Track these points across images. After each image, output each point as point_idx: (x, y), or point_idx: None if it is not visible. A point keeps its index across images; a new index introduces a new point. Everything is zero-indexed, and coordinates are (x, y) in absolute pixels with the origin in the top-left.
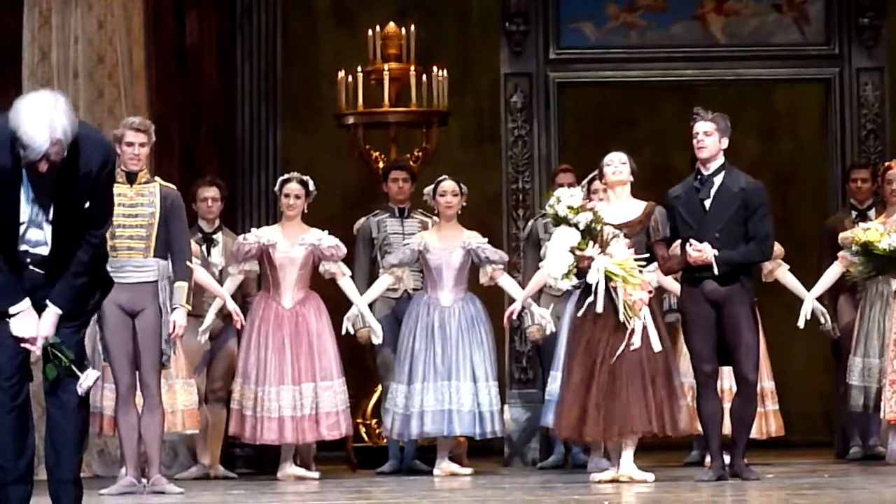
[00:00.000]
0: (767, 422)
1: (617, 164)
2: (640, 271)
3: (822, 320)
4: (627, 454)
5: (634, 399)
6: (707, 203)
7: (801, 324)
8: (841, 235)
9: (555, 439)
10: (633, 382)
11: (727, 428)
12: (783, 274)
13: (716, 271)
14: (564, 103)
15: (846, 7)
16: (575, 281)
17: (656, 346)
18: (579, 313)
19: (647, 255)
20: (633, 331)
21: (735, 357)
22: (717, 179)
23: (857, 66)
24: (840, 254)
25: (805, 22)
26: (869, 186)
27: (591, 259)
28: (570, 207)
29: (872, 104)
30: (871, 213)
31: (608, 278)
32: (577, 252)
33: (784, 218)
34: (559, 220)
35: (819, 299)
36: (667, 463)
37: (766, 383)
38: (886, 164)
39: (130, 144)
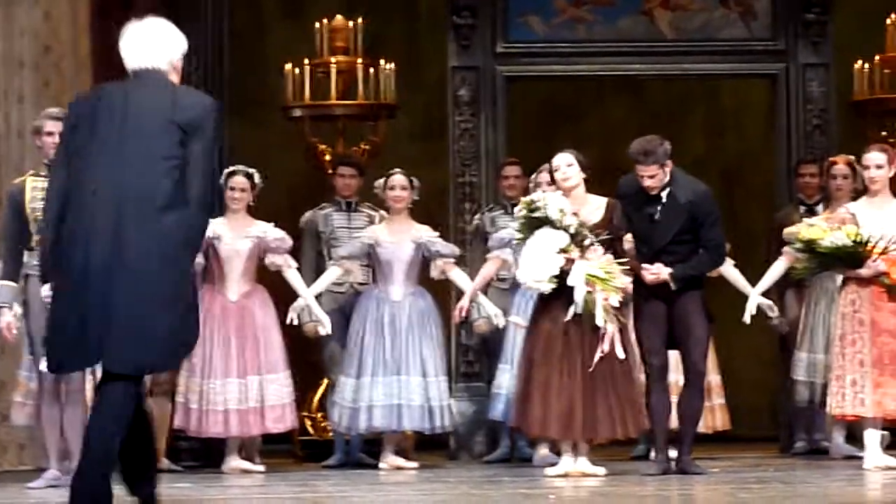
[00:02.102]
0: (713, 416)
1: (564, 169)
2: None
3: (770, 314)
4: (585, 450)
5: (608, 403)
6: (656, 216)
7: (747, 319)
8: (786, 230)
9: (501, 432)
10: (606, 386)
11: (674, 422)
12: (728, 269)
13: (673, 287)
14: (512, 97)
15: (792, 3)
16: (553, 284)
17: (620, 353)
18: (568, 316)
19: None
20: (608, 335)
21: (685, 349)
22: (664, 194)
23: (804, 61)
24: (785, 249)
25: (751, 17)
26: (817, 182)
27: (572, 262)
28: (561, 211)
29: (818, 100)
30: (819, 208)
31: (587, 283)
32: (564, 255)
33: (731, 214)
34: (544, 223)
35: (766, 294)
36: (613, 456)
37: (713, 377)
38: (831, 159)
39: (50, 134)
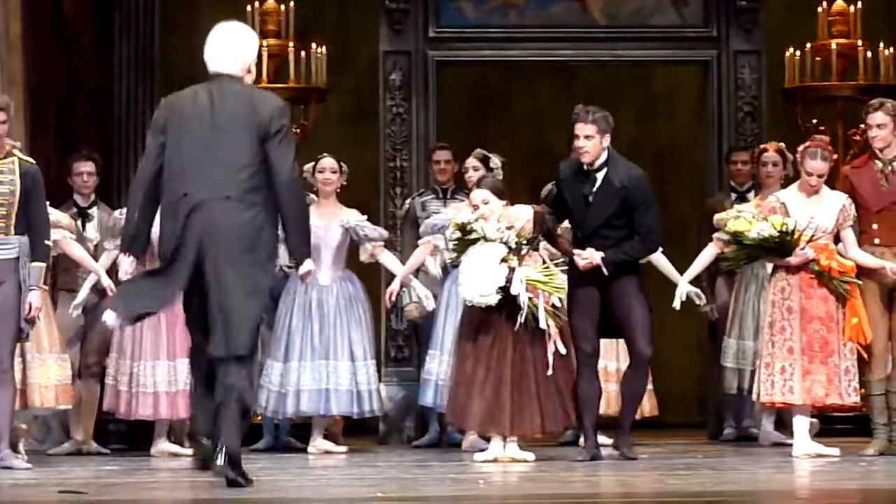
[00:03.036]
0: (641, 402)
1: (482, 208)
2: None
3: (697, 301)
4: (514, 438)
5: (538, 399)
6: (590, 198)
7: (676, 305)
8: (716, 217)
9: (430, 417)
10: (536, 381)
11: (602, 408)
12: (656, 256)
13: (605, 272)
14: (443, 82)
15: None
16: (500, 295)
17: (562, 349)
18: (518, 323)
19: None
20: (550, 335)
21: (628, 333)
22: (600, 175)
23: (735, 48)
24: (715, 235)
25: (683, 4)
26: (749, 169)
27: (512, 270)
28: (498, 229)
29: (749, 87)
30: (751, 195)
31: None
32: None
33: (662, 199)
34: (485, 240)
35: (697, 280)
36: (541, 442)
37: (611, 363)
38: (762, 146)
39: None
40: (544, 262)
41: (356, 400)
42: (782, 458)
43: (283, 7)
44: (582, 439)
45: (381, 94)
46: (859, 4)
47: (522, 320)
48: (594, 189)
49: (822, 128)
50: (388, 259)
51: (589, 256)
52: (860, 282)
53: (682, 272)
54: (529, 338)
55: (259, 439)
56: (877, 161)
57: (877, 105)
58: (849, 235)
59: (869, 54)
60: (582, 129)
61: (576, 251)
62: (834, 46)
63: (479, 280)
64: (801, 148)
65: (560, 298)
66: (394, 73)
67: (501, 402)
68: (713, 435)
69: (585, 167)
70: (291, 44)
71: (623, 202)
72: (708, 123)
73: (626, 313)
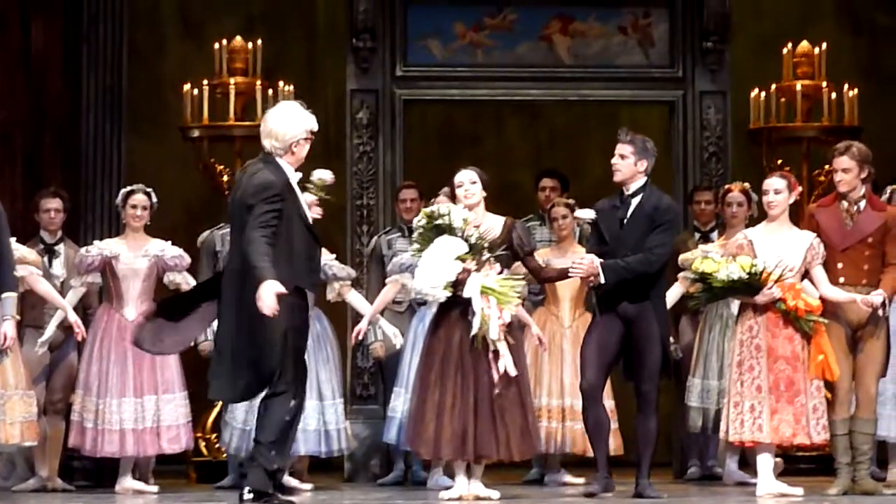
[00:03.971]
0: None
1: (468, 186)
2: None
3: None
4: (478, 473)
5: (495, 425)
6: (624, 221)
7: None
8: (681, 257)
9: (395, 455)
10: (494, 408)
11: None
12: None
13: (602, 279)
14: (410, 120)
15: (690, 31)
16: (448, 293)
17: (511, 370)
18: (473, 331)
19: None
20: (499, 354)
21: (637, 378)
22: (634, 201)
23: (701, 89)
24: (680, 275)
25: (650, 44)
26: (712, 209)
27: (469, 273)
28: (465, 220)
29: (715, 127)
30: (714, 234)
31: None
32: (462, 265)
33: None
34: (444, 230)
35: None
36: (506, 479)
37: (607, 402)
38: (727, 186)
39: None
40: (501, 272)
41: (324, 439)
42: (746, 497)
43: (250, 45)
44: (547, 477)
45: (348, 132)
46: (824, 46)
47: (475, 331)
48: (629, 214)
49: (787, 168)
50: (354, 298)
51: (588, 262)
52: (826, 321)
53: None
54: (488, 365)
55: (224, 477)
56: (843, 201)
57: (842, 149)
58: (819, 273)
59: (834, 95)
60: (618, 147)
61: (574, 261)
62: (799, 87)
63: (432, 271)
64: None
65: (512, 315)
66: (361, 112)
67: (466, 429)
68: (678, 474)
69: (622, 194)
70: (259, 81)
71: (650, 224)
72: (673, 163)
73: (641, 361)
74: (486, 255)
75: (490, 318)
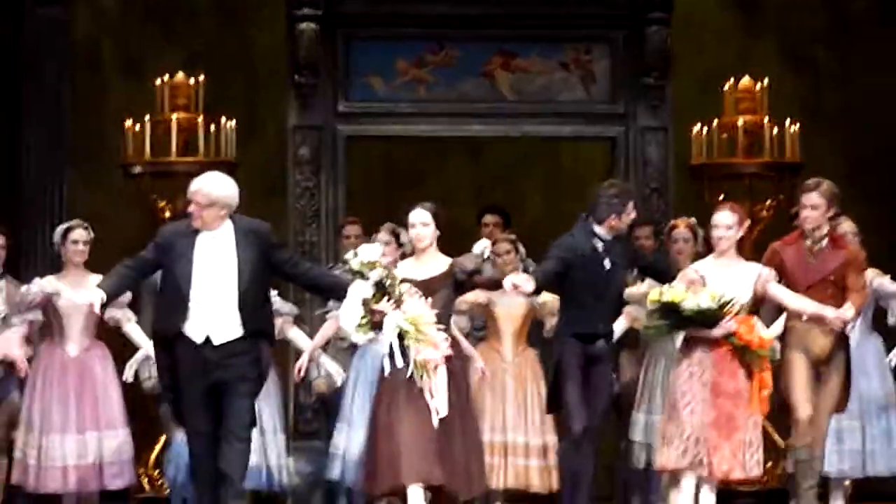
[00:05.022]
0: (550, 476)
1: (419, 229)
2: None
3: None
4: None
5: (453, 454)
6: (606, 266)
7: None
8: (627, 291)
9: (338, 492)
10: (454, 439)
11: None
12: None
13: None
14: (353, 156)
15: (631, 67)
16: (371, 335)
17: (443, 410)
18: (386, 372)
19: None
20: (426, 390)
21: (589, 417)
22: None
23: (642, 125)
24: (626, 309)
25: (591, 80)
26: (651, 244)
27: (383, 314)
28: (363, 263)
29: (656, 163)
30: None
31: (402, 335)
32: (372, 306)
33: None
34: (355, 274)
35: None
36: None
37: (549, 438)
38: (672, 222)
39: None
40: (443, 307)
41: (266, 475)
42: None
43: (192, 80)
44: None
45: (290, 169)
46: (766, 82)
47: (395, 364)
48: (607, 260)
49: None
50: (296, 334)
51: (520, 280)
52: (775, 356)
53: None
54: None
55: None
56: (806, 239)
57: (812, 185)
58: (776, 288)
59: (775, 131)
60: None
61: (508, 277)
62: (741, 123)
63: (344, 316)
64: None
65: (432, 357)
66: (303, 148)
67: (426, 448)
68: None
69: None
70: (201, 117)
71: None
72: None
73: (594, 405)
74: (398, 290)
75: (409, 357)
